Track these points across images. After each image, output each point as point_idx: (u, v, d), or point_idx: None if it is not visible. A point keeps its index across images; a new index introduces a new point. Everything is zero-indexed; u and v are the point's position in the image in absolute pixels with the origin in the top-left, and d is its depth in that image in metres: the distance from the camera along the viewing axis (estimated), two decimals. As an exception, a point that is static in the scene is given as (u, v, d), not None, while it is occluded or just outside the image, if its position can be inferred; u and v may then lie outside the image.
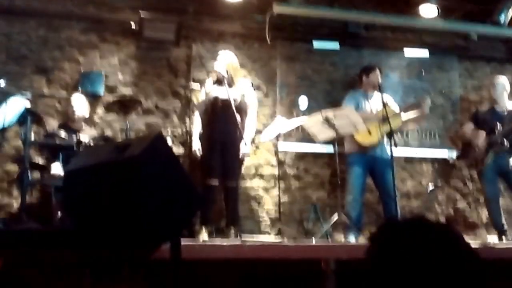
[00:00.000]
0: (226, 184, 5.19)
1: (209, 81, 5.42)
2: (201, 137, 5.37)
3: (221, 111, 5.15)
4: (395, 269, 1.12)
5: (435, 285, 1.08)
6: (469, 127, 5.92)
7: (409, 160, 6.62)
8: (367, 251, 1.21)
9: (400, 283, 1.11)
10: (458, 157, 6.22)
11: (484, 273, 1.13)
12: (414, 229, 1.18)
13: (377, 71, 5.73)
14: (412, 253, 1.12)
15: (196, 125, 5.34)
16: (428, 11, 6.44)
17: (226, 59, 5.31)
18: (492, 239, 6.04)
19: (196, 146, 5.24)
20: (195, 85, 5.94)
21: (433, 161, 6.71)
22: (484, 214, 6.64)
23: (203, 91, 5.41)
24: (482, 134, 5.67)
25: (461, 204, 6.73)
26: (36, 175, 4.92)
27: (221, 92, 5.17)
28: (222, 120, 5.17)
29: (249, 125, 5.33)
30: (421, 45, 6.88)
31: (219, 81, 5.26)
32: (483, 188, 5.96)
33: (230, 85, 5.19)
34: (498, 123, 5.62)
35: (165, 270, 3.07)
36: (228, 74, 5.21)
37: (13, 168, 5.38)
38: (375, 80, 5.64)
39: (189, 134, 5.88)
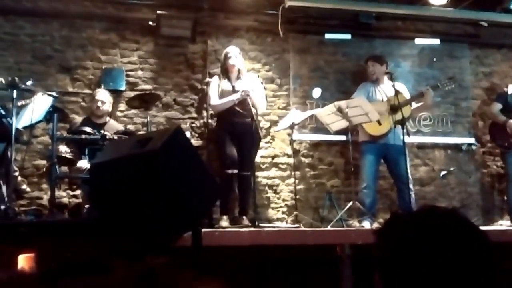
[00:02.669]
0: (240, 173, 5.37)
1: (216, 78, 5.54)
2: (219, 127, 5.56)
3: (238, 103, 5.32)
4: (405, 261, 1.12)
5: (448, 272, 1.08)
6: (497, 108, 6.15)
7: (421, 147, 6.71)
8: (376, 247, 1.20)
9: (412, 274, 1.11)
10: (477, 142, 6.54)
11: (495, 254, 1.13)
12: (420, 220, 1.17)
13: (369, 63, 5.94)
14: (421, 243, 1.11)
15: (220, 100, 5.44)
16: (438, 0, 6.51)
17: (238, 54, 5.48)
18: (505, 223, 6.17)
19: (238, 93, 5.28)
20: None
21: (446, 147, 6.79)
22: (496, 199, 6.76)
23: (214, 85, 5.50)
24: None
25: (474, 189, 6.82)
26: (64, 169, 5.13)
27: (237, 85, 5.34)
28: (239, 112, 5.35)
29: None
30: (432, 33, 6.94)
31: (235, 75, 5.43)
32: (508, 169, 6.15)
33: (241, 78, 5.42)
34: None
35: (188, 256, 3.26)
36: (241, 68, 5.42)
37: (41, 162, 5.63)
38: (370, 71, 5.88)
39: (207, 126, 6.06)
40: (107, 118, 5.54)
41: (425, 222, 1.15)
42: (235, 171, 5.32)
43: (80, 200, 5.45)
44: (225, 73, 5.46)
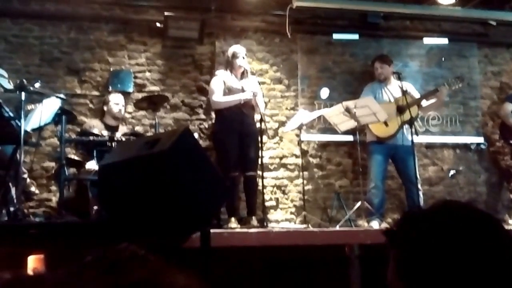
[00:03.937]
0: (246, 174, 5.36)
1: (223, 73, 5.47)
2: (221, 129, 5.48)
3: (244, 104, 5.31)
4: (424, 258, 1.07)
5: (468, 266, 1.04)
6: (508, 108, 6.23)
7: (430, 146, 6.69)
8: (390, 247, 1.15)
9: (431, 271, 1.06)
10: (486, 141, 6.62)
11: None
12: (437, 214, 1.13)
13: (376, 64, 5.92)
14: (439, 239, 1.07)
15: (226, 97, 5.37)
16: (446, -1, 6.49)
17: (245, 55, 5.48)
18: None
19: (248, 93, 5.26)
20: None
21: (454, 146, 6.77)
22: (505, 198, 6.72)
23: (219, 79, 5.41)
24: None
25: (482, 189, 6.78)
26: (73, 170, 5.15)
27: (243, 85, 5.33)
28: (245, 113, 5.35)
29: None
30: (440, 33, 6.91)
31: (241, 75, 5.42)
32: None
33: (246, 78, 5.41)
34: None
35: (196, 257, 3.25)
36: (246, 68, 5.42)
37: (50, 164, 5.67)
38: (379, 73, 5.88)
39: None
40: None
41: (442, 217, 1.11)
42: (237, 173, 5.32)
43: (89, 202, 5.45)
44: (231, 71, 5.44)
